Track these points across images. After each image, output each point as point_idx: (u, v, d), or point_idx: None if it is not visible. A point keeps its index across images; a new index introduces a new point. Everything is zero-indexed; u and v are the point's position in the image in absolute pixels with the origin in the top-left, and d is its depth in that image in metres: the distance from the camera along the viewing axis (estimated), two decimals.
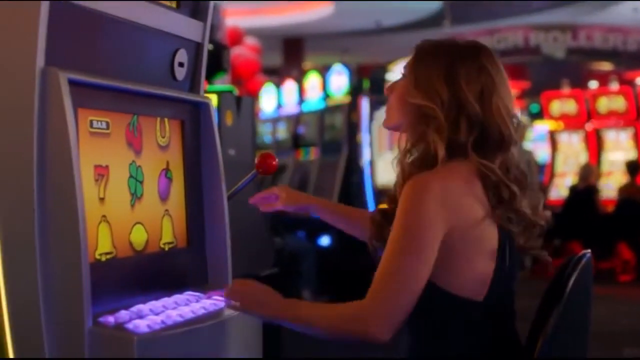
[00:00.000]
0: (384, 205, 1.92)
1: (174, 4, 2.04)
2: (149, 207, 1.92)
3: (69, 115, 1.59)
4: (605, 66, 16.74)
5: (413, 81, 1.81)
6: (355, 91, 7.74)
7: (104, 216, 1.75)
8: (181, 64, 2.07)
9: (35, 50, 1.57)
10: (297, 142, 8.20)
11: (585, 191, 9.40)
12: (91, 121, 1.74)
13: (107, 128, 1.80)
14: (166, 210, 1.99)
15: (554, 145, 11.80)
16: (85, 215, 1.60)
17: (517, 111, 1.86)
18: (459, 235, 1.71)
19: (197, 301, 1.88)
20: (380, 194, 7.21)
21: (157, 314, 1.72)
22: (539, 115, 12.58)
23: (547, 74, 15.63)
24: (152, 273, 1.91)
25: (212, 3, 2.16)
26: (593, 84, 13.61)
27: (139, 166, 1.90)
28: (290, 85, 8.77)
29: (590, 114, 11.47)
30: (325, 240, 6.98)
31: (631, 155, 10.65)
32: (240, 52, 10.34)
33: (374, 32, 16.40)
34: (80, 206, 1.59)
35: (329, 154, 7.66)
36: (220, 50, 4.61)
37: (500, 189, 1.76)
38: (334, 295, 6.26)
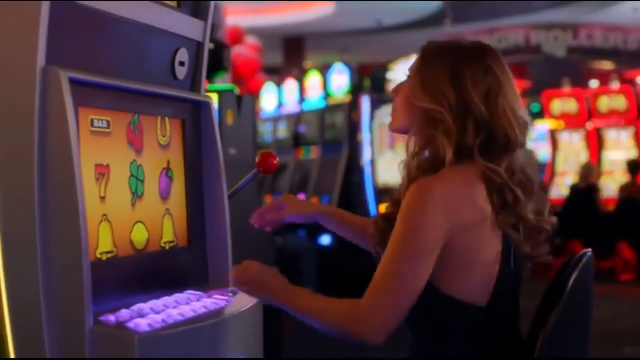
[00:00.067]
0: (385, 207, 1.91)
1: (174, 3, 2.04)
2: (149, 206, 1.92)
3: (69, 114, 1.59)
4: (606, 65, 16.71)
5: (419, 83, 1.80)
6: (355, 90, 7.74)
7: (104, 215, 1.75)
8: (182, 63, 2.07)
9: (36, 49, 1.56)
10: (297, 141, 8.19)
11: (585, 190, 9.40)
12: (92, 120, 1.74)
13: (108, 127, 1.79)
14: (167, 209, 1.99)
15: (554, 144, 11.80)
16: (85, 214, 1.60)
17: (524, 111, 1.85)
18: (461, 240, 1.70)
19: (198, 300, 1.88)
20: (381, 192, 7.21)
21: (157, 313, 1.72)
22: (539, 114, 12.56)
23: (547, 73, 15.61)
24: (152, 272, 1.90)
25: (212, 2, 2.16)
26: (594, 83, 13.61)
27: (140, 165, 1.90)
28: (290, 84, 8.77)
29: (591, 113, 11.48)
30: (325, 240, 6.98)
31: (632, 154, 10.66)
32: (240, 51, 10.34)
33: (375, 31, 16.39)
34: (81, 205, 1.58)
35: (329, 152, 7.65)
36: (220, 49, 4.60)
37: (505, 192, 1.74)
38: (334, 294, 6.23)
